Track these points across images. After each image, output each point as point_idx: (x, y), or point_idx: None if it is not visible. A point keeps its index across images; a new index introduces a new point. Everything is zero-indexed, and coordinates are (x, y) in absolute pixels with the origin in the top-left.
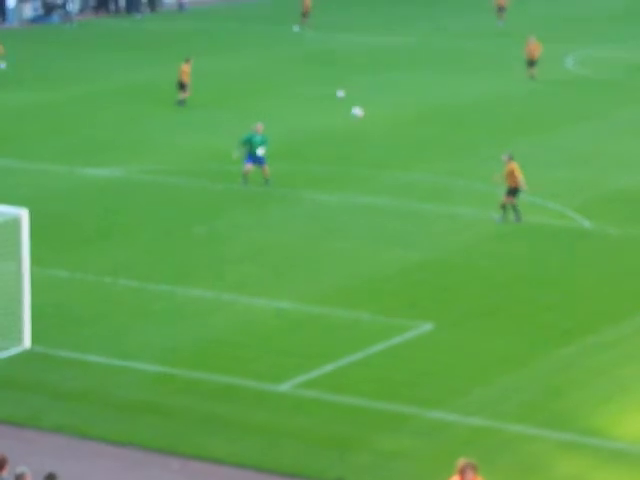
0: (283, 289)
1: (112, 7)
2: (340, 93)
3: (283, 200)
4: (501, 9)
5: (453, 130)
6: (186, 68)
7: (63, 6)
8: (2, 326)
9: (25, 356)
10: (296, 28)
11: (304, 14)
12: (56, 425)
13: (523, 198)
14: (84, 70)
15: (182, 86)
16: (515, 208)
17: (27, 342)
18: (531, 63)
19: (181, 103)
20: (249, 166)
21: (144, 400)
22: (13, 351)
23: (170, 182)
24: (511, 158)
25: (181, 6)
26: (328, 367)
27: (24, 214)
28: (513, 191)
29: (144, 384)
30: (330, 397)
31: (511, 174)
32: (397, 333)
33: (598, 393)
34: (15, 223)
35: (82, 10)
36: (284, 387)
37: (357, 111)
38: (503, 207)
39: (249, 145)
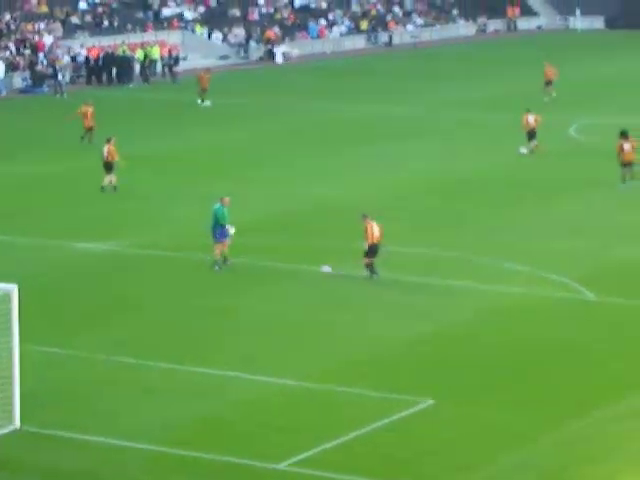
0: (285, 365)
1: (104, 78)
2: (325, 268)
3: (286, 274)
4: (548, 83)
5: (454, 202)
6: (111, 148)
7: (53, 76)
8: None
9: (17, 436)
10: (200, 102)
11: (203, 89)
12: None
13: (525, 271)
14: (74, 142)
15: (108, 167)
16: (371, 265)
17: (17, 422)
18: (531, 135)
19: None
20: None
21: None
22: (3, 431)
23: (168, 256)
24: (366, 217)
25: (174, 76)
26: (329, 444)
27: (13, 290)
28: (373, 250)
29: (142, 464)
30: (331, 475)
31: (369, 233)
32: (399, 409)
33: (609, 469)
34: (5, 300)
35: (73, 80)
36: (284, 465)
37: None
38: (369, 266)
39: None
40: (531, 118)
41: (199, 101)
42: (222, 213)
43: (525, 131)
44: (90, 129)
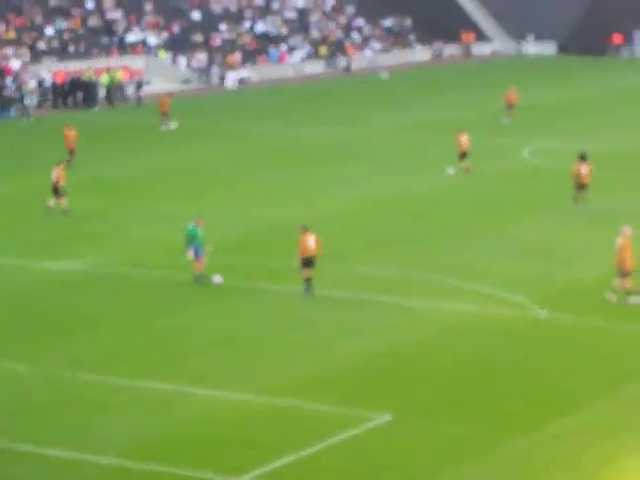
0: (244, 381)
1: (70, 101)
2: (217, 279)
3: (245, 292)
4: (510, 107)
5: (409, 222)
6: (60, 172)
7: (20, 100)
8: None
9: None
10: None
11: (163, 113)
12: None
13: (481, 289)
14: (40, 162)
15: (57, 191)
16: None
17: None
18: (463, 156)
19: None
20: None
21: None
22: None
23: (130, 274)
24: (306, 230)
25: (139, 100)
26: (289, 458)
27: None
28: (307, 262)
29: (105, 478)
30: None
31: (303, 245)
32: (357, 424)
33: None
34: None
35: (40, 104)
36: (245, 479)
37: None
38: (307, 281)
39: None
40: (464, 138)
41: (163, 125)
42: (194, 233)
43: (459, 151)
44: (71, 152)
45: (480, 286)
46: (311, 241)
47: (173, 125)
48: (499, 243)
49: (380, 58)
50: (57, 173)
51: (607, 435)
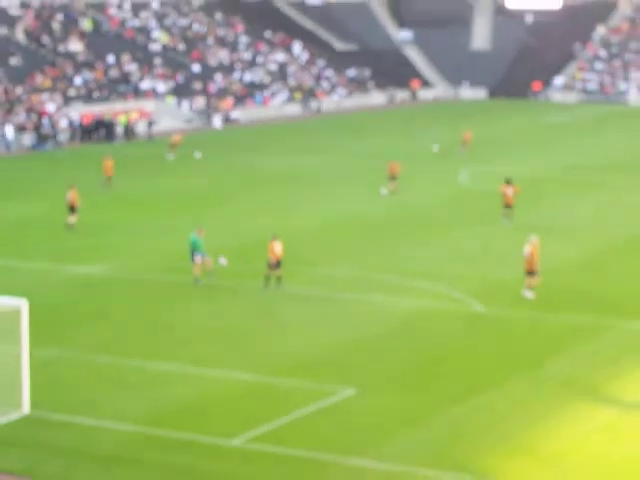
0: (233, 362)
1: (94, 136)
2: (222, 260)
3: (233, 292)
4: (464, 144)
5: (368, 233)
6: (74, 194)
7: (54, 136)
8: (6, 396)
9: (24, 419)
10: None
11: (172, 146)
12: (48, 476)
13: (428, 288)
14: (62, 187)
15: (72, 209)
16: (269, 278)
17: (26, 408)
18: (392, 178)
19: (70, 227)
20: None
21: (120, 455)
22: (14, 416)
23: (140, 277)
24: (275, 237)
25: (149, 136)
26: (271, 425)
27: (24, 304)
28: (275, 263)
29: (121, 441)
30: (273, 449)
31: (272, 250)
32: (326, 397)
33: (487, 441)
34: (17, 311)
35: (70, 140)
36: (236, 442)
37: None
38: (267, 278)
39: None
40: (395, 165)
41: (168, 155)
42: (194, 241)
43: (389, 175)
44: (109, 177)
45: (428, 285)
46: (278, 247)
47: (198, 154)
48: (443, 250)
49: (345, 101)
50: (71, 195)
51: (526, 404)
